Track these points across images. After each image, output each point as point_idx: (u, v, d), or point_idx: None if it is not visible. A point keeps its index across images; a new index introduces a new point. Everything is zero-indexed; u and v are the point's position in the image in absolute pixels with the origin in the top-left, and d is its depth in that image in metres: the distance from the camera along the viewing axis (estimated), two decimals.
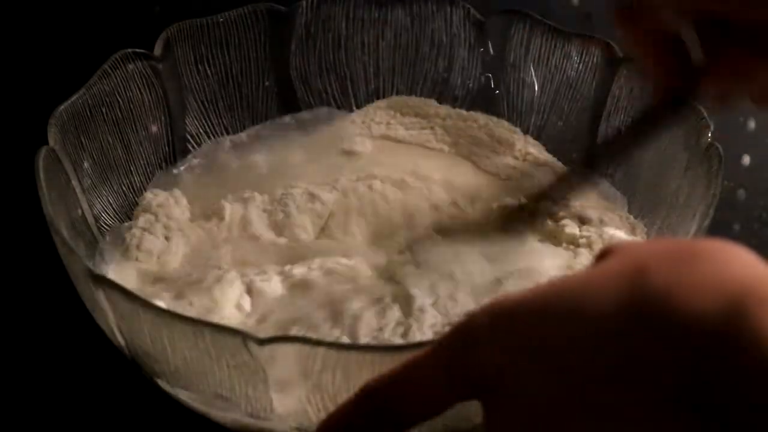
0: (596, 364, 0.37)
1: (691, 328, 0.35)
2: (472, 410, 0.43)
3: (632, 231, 0.72)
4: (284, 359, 0.53)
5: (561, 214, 0.72)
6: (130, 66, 0.75)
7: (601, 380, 0.37)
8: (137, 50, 0.75)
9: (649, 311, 0.36)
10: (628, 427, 0.36)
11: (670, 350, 0.36)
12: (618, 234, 0.71)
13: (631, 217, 0.74)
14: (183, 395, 0.59)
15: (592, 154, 0.78)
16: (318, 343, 0.52)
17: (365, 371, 0.52)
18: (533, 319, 0.38)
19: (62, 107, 0.69)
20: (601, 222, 0.72)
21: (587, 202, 0.75)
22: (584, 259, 0.68)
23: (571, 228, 0.71)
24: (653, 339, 0.36)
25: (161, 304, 0.60)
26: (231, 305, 0.65)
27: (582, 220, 0.72)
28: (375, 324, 0.63)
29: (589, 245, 0.70)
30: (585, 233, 0.70)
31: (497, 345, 0.39)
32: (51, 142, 0.67)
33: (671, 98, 0.63)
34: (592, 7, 0.94)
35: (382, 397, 0.41)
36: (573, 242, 0.70)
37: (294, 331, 0.62)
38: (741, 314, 0.35)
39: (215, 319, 0.63)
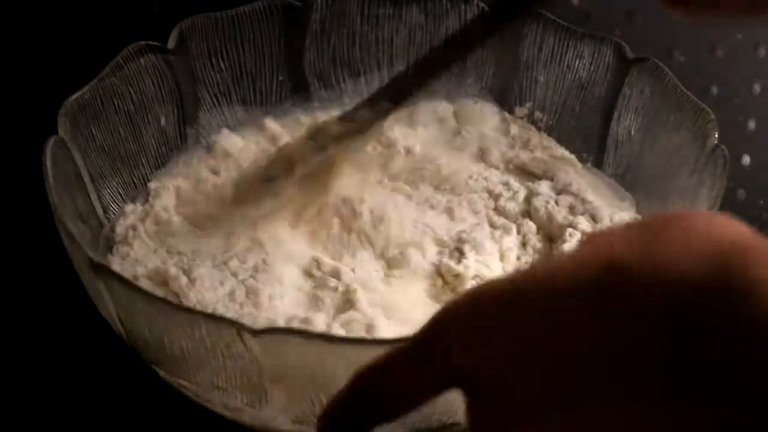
0: (575, 348, 0.36)
1: (673, 291, 0.34)
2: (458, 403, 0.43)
3: None
4: (279, 351, 0.53)
5: (577, 208, 0.73)
6: (143, 58, 0.75)
7: (582, 364, 0.36)
8: (150, 43, 0.76)
9: (623, 283, 0.35)
10: (616, 410, 0.36)
11: (652, 319, 0.35)
12: None
13: (640, 217, 0.74)
14: (181, 385, 0.60)
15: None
16: (312, 335, 0.53)
17: (359, 363, 0.53)
18: (506, 310, 0.38)
19: (73, 98, 0.70)
20: (612, 221, 0.72)
21: (601, 200, 0.75)
22: None
23: (584, 226, 0.71)
24: (632, 311, 0.35)
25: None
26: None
27: (594, 219, 0.72)
28: None
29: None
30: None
31: (472, 337, 0.38)
32: (60, 132, 0.67)
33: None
34: (592, 7, 0.94)
35: (372, 383, 0.41)
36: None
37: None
38: (726, 268, 0.34)
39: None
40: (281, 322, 0.64)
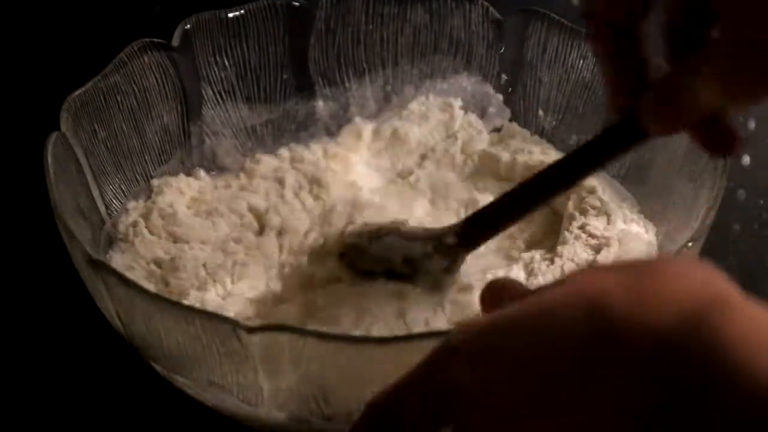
0: (563, 385, 0.37)
1: (650, 343, 0.36)
2: None
3: (645, 231, 0.72)
4: (273, 348, 0.53)
5: (590, 204, 0.72)
6: (147, 56, 0.76)
7: (568, 400, 0.37)
8: (155, 40, 0.76)
9: (610, 332, 0.37)
10: None
11: (631, 368, 0.36)
12: (641, 233, 0.71)
13: (643, 216, 0.74)
14: (178, 381, 0.60)
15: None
16: (306, 332, 0.53)
17: (352, 362, 0.53)
18: (501, 343, 0.39)
19: (75, 94, 0.70)
20: (624, 221, 0.72)
21: (613, 202, 0.75)
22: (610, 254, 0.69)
23: (598, 222, 0.71)
24: (615, 359, 0.36)
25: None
26: None
27: (608, 217, 0.72)
28: None
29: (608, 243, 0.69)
30: (608, 233, 0.70)
31: (468, 366, 0.40)
32: (63, 128, 0.68)
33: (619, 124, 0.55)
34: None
35: (386, 412, 0.42)
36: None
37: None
38: (697, 327, 0.35)
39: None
40: (251, 309, 0.66)
